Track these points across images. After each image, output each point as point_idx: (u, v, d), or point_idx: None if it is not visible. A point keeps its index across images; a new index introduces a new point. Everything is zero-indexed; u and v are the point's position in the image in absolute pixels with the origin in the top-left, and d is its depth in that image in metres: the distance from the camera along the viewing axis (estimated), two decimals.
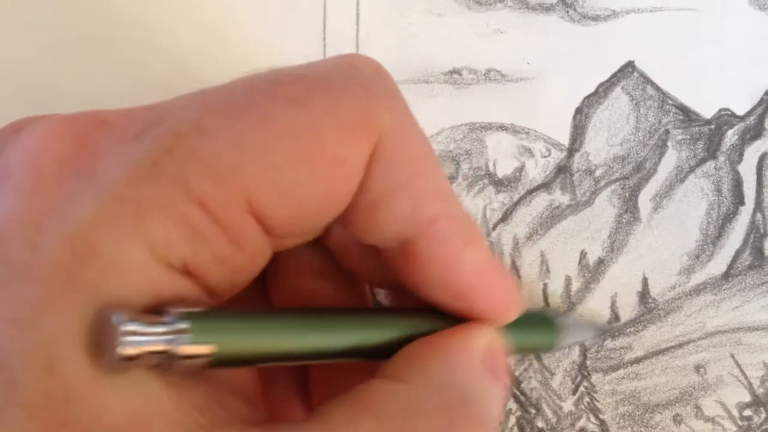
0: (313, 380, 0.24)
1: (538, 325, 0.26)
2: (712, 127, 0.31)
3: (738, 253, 0.30)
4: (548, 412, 0.30)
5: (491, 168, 0.31)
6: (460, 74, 0.31)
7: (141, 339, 0.16)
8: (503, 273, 0.22)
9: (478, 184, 0.30)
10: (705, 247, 0.30)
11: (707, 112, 0.31)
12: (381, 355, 0.20)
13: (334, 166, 0.18)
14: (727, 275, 0.30)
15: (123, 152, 0.17)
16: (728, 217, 0.30)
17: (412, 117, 0.20)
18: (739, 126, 0.31)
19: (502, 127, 0.31)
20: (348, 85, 0.19)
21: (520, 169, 0.31)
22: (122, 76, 0.30)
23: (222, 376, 0.19)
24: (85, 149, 0.17)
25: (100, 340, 0.16)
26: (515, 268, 0.30)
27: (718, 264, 0.30)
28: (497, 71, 0.31)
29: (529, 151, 0.31)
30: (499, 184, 0.30)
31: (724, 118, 0.31)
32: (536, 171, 0.31)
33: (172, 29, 0.31)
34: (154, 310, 0.17)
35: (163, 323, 0.16)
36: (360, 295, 0.25)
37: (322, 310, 0.21)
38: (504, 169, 0.31)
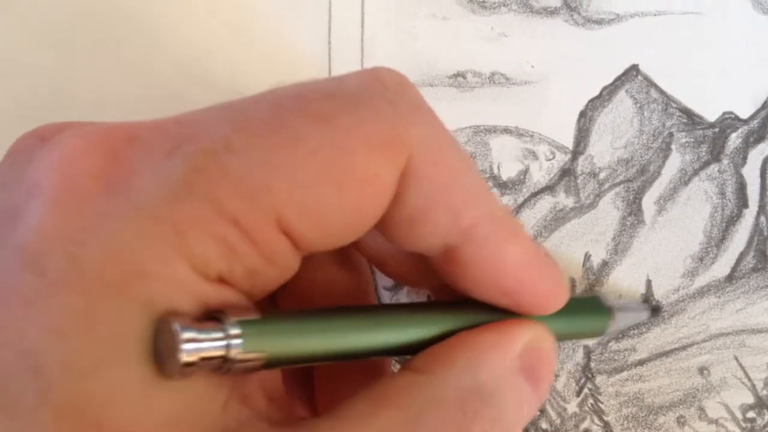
0: (317, 379, 0.24)
1: (588, 310, 0.26)
2: (716, 130, 0.31)
3: (742, 256, 0.30)
4: (552, 414, 0.30)
5: (495, 171, 0.31)
6: (464, 77, 0.31)
7: (200, 345, 0.16)
8: (548, 264, 0.22)
9: None
10: (709, 249, 0.30)
11: (711, 115, 0.31)
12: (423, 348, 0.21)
13: (363, 185, 0.18)
14: (730, 278, 0.30)
15: (156, 169, 0.17)
16: (732, 220, 0.31)
17: (442, 126, 0.20)
18: (743, 129, 0.31)
19: (506, 130, 0.31)
20: (376, 102, 0.19)
21: (525, 171, 0.31)
22: (128, 77, 0.30)
23: (252, 375, 0.19)
24: (118, 165, 0.17)
25: (158, 349, 0.16)
26: None
27: (722, 267, 0.30)
28: (501, 74, 0.31)
29: (534, 154, 0.31)
30: (504, 186, 0.31)
31: (728, 122, 0.31)
32: (540, 174, 0.31)
33: (178, 33, 0.31)
34: (209, 317, 0.17)
35: (220, 329, 0.17)
36: (366, 283, 0.25)
37: (367, 307, 0.22)
38: (508, 171, 0.31)
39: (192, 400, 0.17)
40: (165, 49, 0.31)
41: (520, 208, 0.30)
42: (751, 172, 0.31)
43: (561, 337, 0.24)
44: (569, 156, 0.31)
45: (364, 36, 0.31)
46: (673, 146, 0.31)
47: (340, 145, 0.18)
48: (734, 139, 0.31)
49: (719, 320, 0.30)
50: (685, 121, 0.31)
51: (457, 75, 0.31)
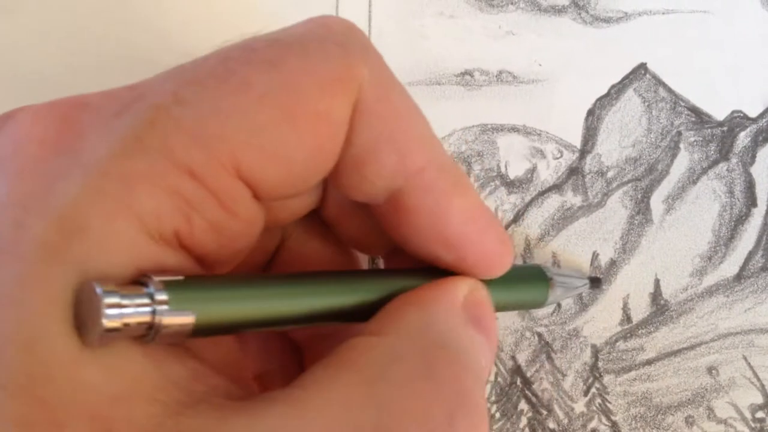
0: (307, 362, 0.24)
1: (529, 280, 0.26)
2: (725, 129, 0.31)
3: (750, 255, 0.30)
4: (560, 414, 0.30)
5: (503, 169, 0.31)
6: (472, 76, 0.31)
7: (123, 311, 0.16)
8: (495, 222, 0.22)
9: (489, 186, 0.30)
10: (717, 248, 0.30)
11: (719, 114, 0.31)
12: (367, 316, 0.20)
13: (317, 122, 0.18)
14: (739, 277, 0.30)
15: (106, 130, 0.17)
16: (740, 219, 0.30)
17: (390, 71, 0.20)
18: (752, 128, 0.31)
19: (514, 129, 0.31)
20: (324, 45, 0.19)
21: (532, 170, 0.31)
22: (136, 78, 0.30)
23: (205, 354, 0.19)
24: (68, 130, 0.17)
25: (83, 314, 0.16)
26: None
27: (731, 266, 0.30)
28: (509, 73, 0.31)
29: (541, 153, 0.31)
30: (511, 185, 0.31)
31: (737, 120, 0.31)
32: (548, 172, 0.31)
33: (185, 34, 0.31)
34: (136, 281, 0.16)
35: (144, 294, 0.16)
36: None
37: (304, 273, 0.21)
38: (516, 170, 0.31)
39: (137, 373, 0.16)
40: (172, 51, 0.31)
41: (527, 206, 0.30)
42: (760, 171, 0.31)
43: (502, 307, 0.24)
44: (577, 154, 0.31)
45: (371, 34, 0.31)
46: (681, 145, 0.31)
47: (290, 86, 0.18)
48: (743, 138, 0.31)
49: (728, 320, 0.30)
50: (693, 119, 0.31)
51: (464, 73, 0.31)
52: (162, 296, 0.16)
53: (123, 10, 0.31)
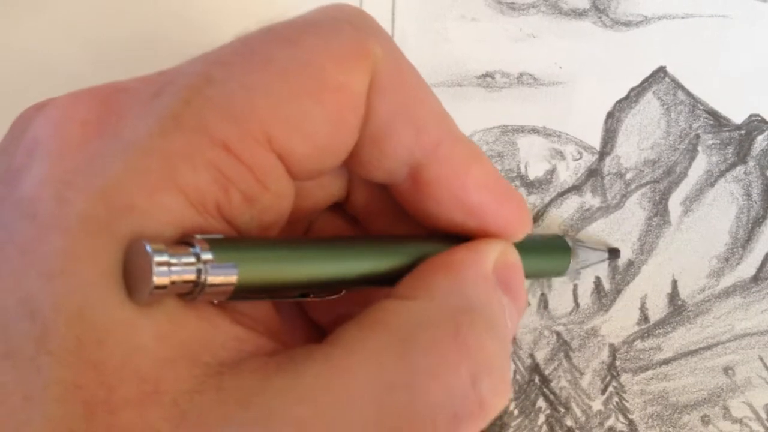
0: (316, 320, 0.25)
1: (551, 248, 0.27)
2: (742, 132, 0.31)
3: (767, 257, 0.31)
4: (577, 411, 0.30)
5: (523, 170, 0.31)
6: (493, 78, 0.31)
7: (172, 269, 0.16)
8: (510, 188, 0.23)
9: None
10: (734, 250, 0.31)
11: (737, 117, 0.31)
12: (395, 280, 0.21)
13: (338, 94, 0.19)
14: (756, 278, 0.31)
15: (144, 111, 0.18)
16: (758, 222, 0.31)
17: (400, 51, 0.21)
18: None
19: (534, 130, 0.31)
20: (337, 24, 0.20)
21: (552, 171, 0.31)
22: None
23: (245, 314, 0.19)
24: (108, 112, 0.18)
25: (132, 272, 0.16)
26: None
27: (748, 267, 0.31)
28: (530, 75, 0.31)
29: (561, 154, 0.31)
30: (531, 185, 0.31)
31: (754, 124, 0.31)
32: (567, 173, 0.31)
33: (210, 33, 0.31)
34: (182, 241, 0.17)
35: (191, 253, 0.17)
36: None
37: (340, 238, 0.22)
38: (535, 171, 0.31)
39: (183, 336, 0.17)
40: (197, 50, 0.32)
41: (547, 207, 0.31)
42: None
43: (526, 275, 0.25)
44: (596, 156, 0.31)
45: (395, 36, 0.31)
46: (699, 148, 0.31)
47: (309, 61, 0.19)
48: (760, 142, 0.31)
49: (744, 320, 0.30)
50: (711, 123, 0.31)
51: (486, 75, 0.31)
52: (207, 255, 0.17)
53: (149, 5, 0.32)
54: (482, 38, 0.31)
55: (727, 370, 0.30)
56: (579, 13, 0.31)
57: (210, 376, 0.17)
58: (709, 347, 0.30)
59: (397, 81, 0.20)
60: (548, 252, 0.26)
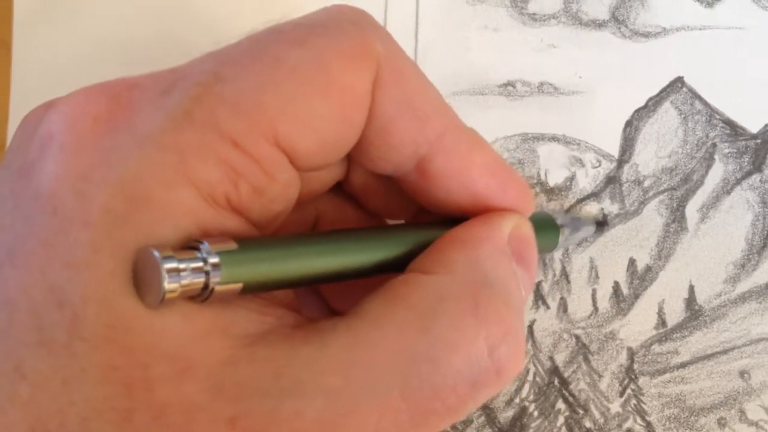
0: (325, 291, 0.26)
1: (542, 227, 0.27)
2: (758, 141, 0.32)
3: None
4: (596, 413, 0.31)
5: (543, 177, 0.32)
6: (514, 87, 0.32)
7: (181, 275, 0.17)
8: (513, 172, 0.24)
9: None
10: (750, 256, 0.31)
11: (753, 126, 0.32)
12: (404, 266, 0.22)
13: (344, 93, 0.20)
14: None
15: (155, 106, 0.18)
16: None
17: (401, 47, 0.22)
18: None
19: (554, 138, 0.32)
20: (341, 25, 0.21)
21: (571, 178, 0.32)
22: None
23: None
24: (120, 107, 0.19)
25: (142, 277, 0.17)
26: (565, 274, 0.31)
27: (763, 273, 0.31)
28: (550, 84, 0.32)
29: (580, 162, 0.32)
30: (551, 192, 0.32)
31: None
32: (586, 181, 0.32)
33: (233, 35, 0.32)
34: (188, 246, 0.18)
35: (198, 258, 0.17)
36: None
37: (345, 231, 0.22)
38: (555, 178, 0.32)
39: (210, 314, 0.18)
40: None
41: (566, 213, 0.31)
42: None
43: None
44: (615, 164, 0.32)
45: (418, 46, 0.32)
46: (716, 156, 0.32)
47: (316, 61, 0.20)
48: None
49: (760, 325, 0.31)
50: (728, 132, 0.32)
51: (507, 84, 0.32)
52: (214, 259, 0.17)
53: (178, 16, 0.33)
54: (504, 48, 0.32)
55: (743, 373, 0.31)
56: (599, 24, 0.32)
57: (241, 348, 0.18)
58: (725, 351, 0.31)
59: (399, 76, 0.21)
60: (540, 231, 0.27)
